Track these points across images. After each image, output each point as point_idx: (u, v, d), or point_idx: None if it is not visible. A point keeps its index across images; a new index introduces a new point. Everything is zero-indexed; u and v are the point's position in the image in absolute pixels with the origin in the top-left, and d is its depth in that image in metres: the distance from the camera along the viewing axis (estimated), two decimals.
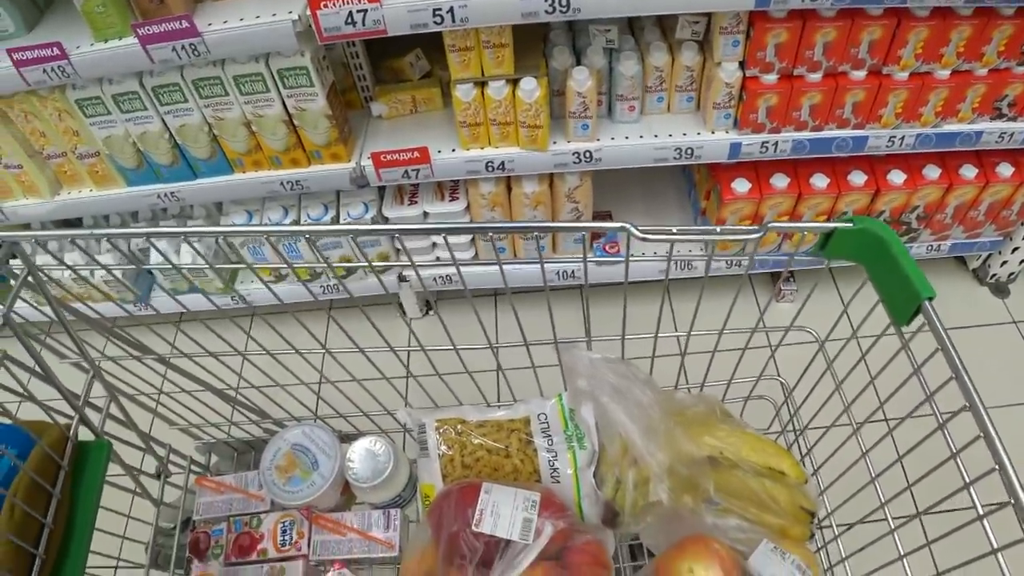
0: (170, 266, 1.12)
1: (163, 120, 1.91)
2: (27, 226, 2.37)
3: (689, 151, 1.99)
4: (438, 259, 2.19)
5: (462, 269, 2.24)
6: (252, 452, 1.54)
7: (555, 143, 1.93)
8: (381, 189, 2.12)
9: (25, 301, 1.09)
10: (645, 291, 1.96)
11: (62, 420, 1.07)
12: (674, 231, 0.95)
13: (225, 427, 1.49)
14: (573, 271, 2.24)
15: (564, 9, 1.60)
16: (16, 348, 1.00)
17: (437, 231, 1.02)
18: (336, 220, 2.08)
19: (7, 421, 1.00)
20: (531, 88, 1.78)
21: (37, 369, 1.02)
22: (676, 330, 2.09)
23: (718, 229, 0.97)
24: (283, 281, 2.32)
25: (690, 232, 0.97)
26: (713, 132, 1.98)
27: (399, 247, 2.19)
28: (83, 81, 1.83)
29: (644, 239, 0.93)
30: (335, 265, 1.16)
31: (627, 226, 0.92)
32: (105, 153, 2.03)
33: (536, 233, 1.06)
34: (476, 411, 1.27)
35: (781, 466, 1.16)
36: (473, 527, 1.10)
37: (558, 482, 1.24)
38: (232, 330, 1.33)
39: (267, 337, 1.32)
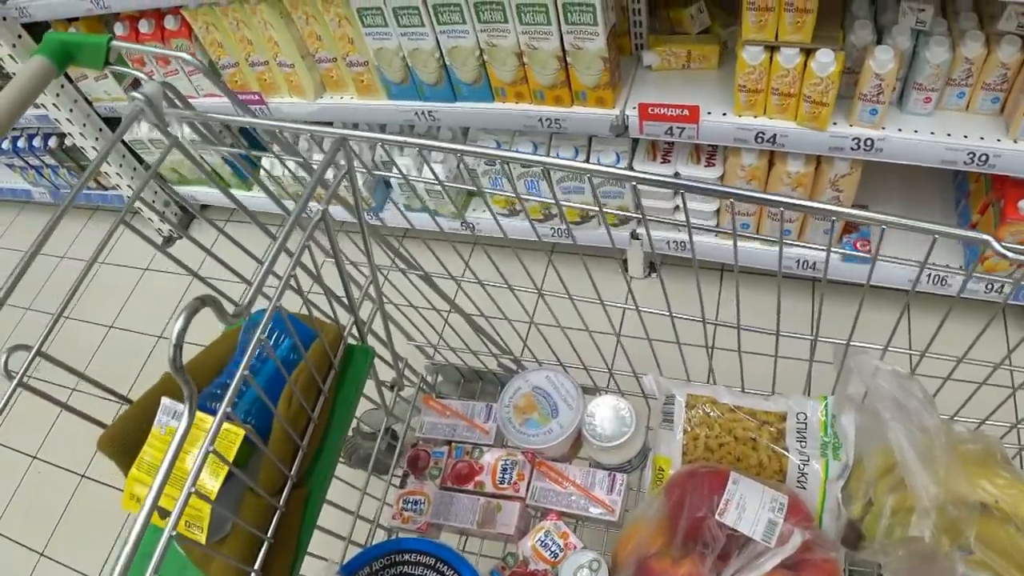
0: (437, 183, 1.12)
1: (437, 39, 1.92)
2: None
3: (984, 158, 1.78)
4: (671, 223, 2.12)
5: (697, 238, 2.15)
6: (480, 383, 1.56)
7: (835, 124, 1.78)
8: (635, 142, 2.05)
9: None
10: (883, 298, 1.80)
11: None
12: None
13: (462, 351, 1.50)
14: (814, 262, 2.10)
15: None
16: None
17: (689, 188, 0.94)
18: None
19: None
20: (827, 61, 1.64)
21: (316, 270, 1.04)
22: (910, 347, 1.92)
23: None
24: (514, 217, 2.32)
25: None
26: (1016, 141, 1.76)
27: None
28: None
29: (1006, 256, 0.81)
30: (571, 205, 1.10)
31: (989, 239, 0.81)
32: (374, 64, 2.08)
33: (783, 211, 0.95)
34: (730, 394, 1.21)
35: None
36: (716, 516, 1.05)
37: (803, 488, 1.16)
38: (452, 255, 1.31)
39: (485, 268, 1.29)
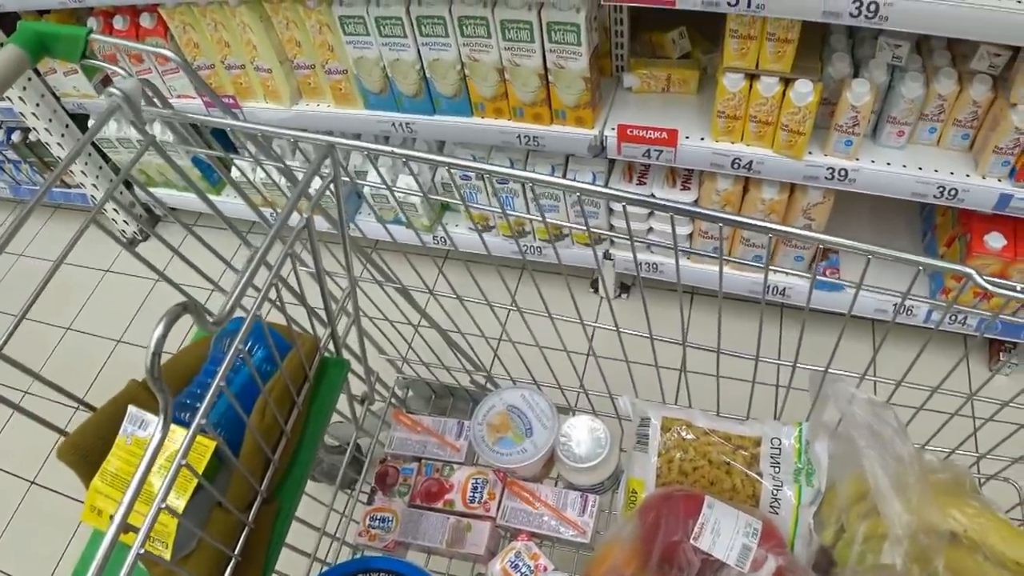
0: (414, 195, 1.11)
1: (419, 51, 1.91)
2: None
3: (952, 192, 1.82)
4: (650, 247, 2.13)
5: (670, 260, 2.16)
6: (451, 399, 1.54)
7: (810, 153, 1.81)
8: (611, 162, 2.06)
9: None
10: (851, 324, 1.82)
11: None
12: (1018, 288, 0.84)
13: (435, 367, 1.48)
14: (784, 288, 2.12)
15: (871, 15, 1.47)
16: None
17: (667, 208, 0.93)
18: None
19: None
20: (805, 91, 1.66)
21: (294, 282, 1.02)
22: (875, 374, 1.93)
23: None
24: (488, 232, 2.31)
25: None
26: (984, 177, 1.80)
27: (613, 223, 2.14)
28: None
29: (989, 290, 0.82)
30: (550, 221, 1.10)
31: (971, 272, 0.82)
32: (353, 73, 2.06)
33: (770, 236, 0.95)
34: (705, 417, 1.21)
35: None
36: (692, 540, 1.04)
37: (776, 513, 1.16)
38: (424, 267, 1.29)
39: (459, 281, 1.28)
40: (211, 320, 0.66)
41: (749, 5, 1.51)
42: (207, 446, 0.86)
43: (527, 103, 1.90)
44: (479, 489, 1.31)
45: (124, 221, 3.14)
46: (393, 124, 2.12)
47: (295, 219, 0.92)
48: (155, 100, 1.15)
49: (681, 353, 1.21)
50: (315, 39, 2.03)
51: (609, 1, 1.58)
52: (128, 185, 3.13)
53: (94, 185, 2.97)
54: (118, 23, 2.32)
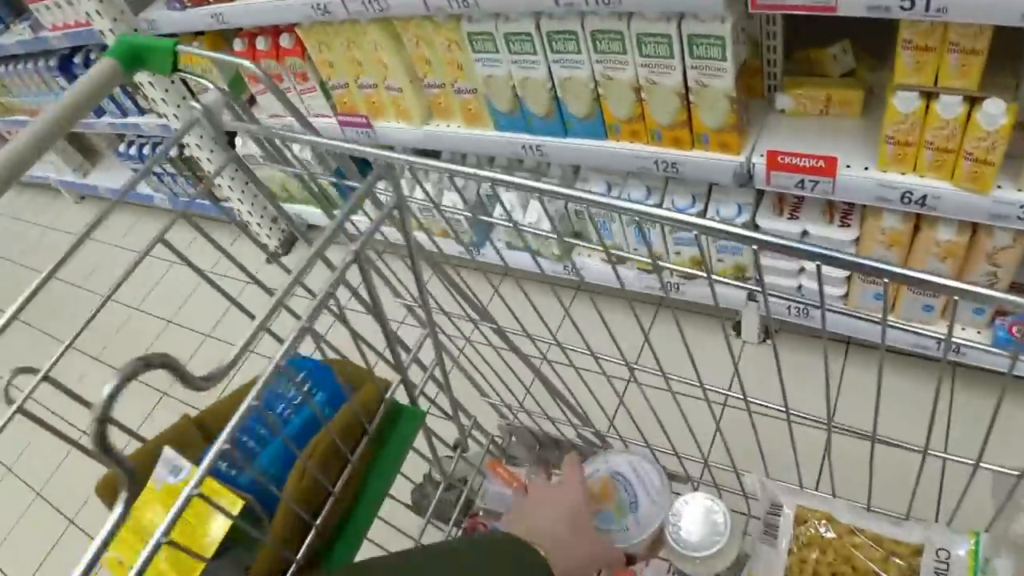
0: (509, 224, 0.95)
1: (549, 68, 1.78)
2: (391, 148, 2.42)
3: None
4: (800, 287, 1.88)
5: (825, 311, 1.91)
6: (557, 451, 1.38)
7: (999, 187, 1.52)
8: (760, 193, 1.84)
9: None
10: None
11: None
12: None
13: (538, 416, 1.33)
14: (959, 347, 1.81)
15: None
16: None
17: (764, 245, 0.73)
18: (703, 216, 1.85)
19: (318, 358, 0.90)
20: (996, 112, 1.39)
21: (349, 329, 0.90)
22: None
23: None
24: (621, 265, 2.14)
25: None
26: None
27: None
28: (480, 14, 1.76)
29: None
30: (673, 268, 0.91)
31: None
32: (482, 92, 1.96)
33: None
34: (851, 511, 0.98)
35: None
36: None
37: None
38: (550, 298, 1.10)
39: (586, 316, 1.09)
40: (200, 377, 0.54)
41: (927, 8, 1.27)
42: (233, 503, 0.75)
43: (665, 125, 1.72)
44: None
45: (266, 235, 3.21)
46: (524, 147, 2.00)
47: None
48: (241, 114, 1.08)
49: (830, 435, 0.98)
50: (444, 57, 1.95)
51: (760, 9, 1.39)
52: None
53: (239, 200, 3.04)
54: (260, 44, 2.34)
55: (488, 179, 0.81)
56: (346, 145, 0.89)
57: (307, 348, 0.93)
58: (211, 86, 1.05)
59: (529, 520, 0.93)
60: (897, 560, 0.94)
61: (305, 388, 0.87)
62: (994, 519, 0.88)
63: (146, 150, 3.36)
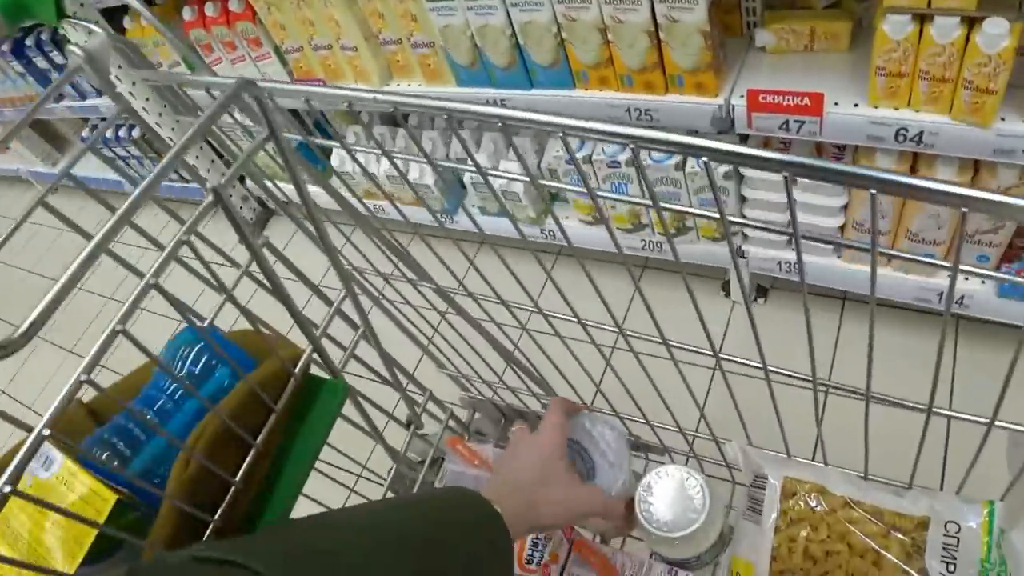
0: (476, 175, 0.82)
1: (508, 13, 1.64)
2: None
3: None
4: (786, 233, 1.75)
5: (814, 259, 1.78)
6: (525, 424, 1.26)
7: (1003, 120, 1.38)
8: (743, 138, 1.70)
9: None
10: None
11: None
12: None
13: (498, 386, 1.20)
14: (962, 296, 1.68)
15: None
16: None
17: (698, 151, 0.58)
18: (682, 168, 1.71)
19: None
20: (998, 33, 1.25)
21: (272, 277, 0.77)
22: None
23: None
24: (599, 225, 2.01)
25: None
26: None
27: (745, 213, 1.78)
28: None
29: None
30: (673, 208, 0.76)
31: None
32: (440, 44, 1.83)
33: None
34: (846, 481, 0.86)
35: None
36: None
37: None
38: (531, 264, 0.96)
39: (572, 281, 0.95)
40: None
41: None
42: (106, 499, 0.63)
43: (635, 68, 1.58)
44: (540, 548, 1.03)
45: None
46: (487, 101, 1.86)
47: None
48: (134, 59, 0.95)
49: (816, 396, 0.84)
50: (397, 8, 1.81)
51: None
52: (241, 179, 3.06)
53: (205, 177, 2.91)
54: (209, 10, 2.21)
55: (418, 108, 0.68)
56: (204, 79, 0.76)
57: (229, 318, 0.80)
58: (97, 29, 0.91)
59: (498, 470, 0.92)
60: (899, 535, 0.82)
61: (200, 364, 0.75)
62: (1011, 486, 0.75)
63: (110, 133, 3.23)
